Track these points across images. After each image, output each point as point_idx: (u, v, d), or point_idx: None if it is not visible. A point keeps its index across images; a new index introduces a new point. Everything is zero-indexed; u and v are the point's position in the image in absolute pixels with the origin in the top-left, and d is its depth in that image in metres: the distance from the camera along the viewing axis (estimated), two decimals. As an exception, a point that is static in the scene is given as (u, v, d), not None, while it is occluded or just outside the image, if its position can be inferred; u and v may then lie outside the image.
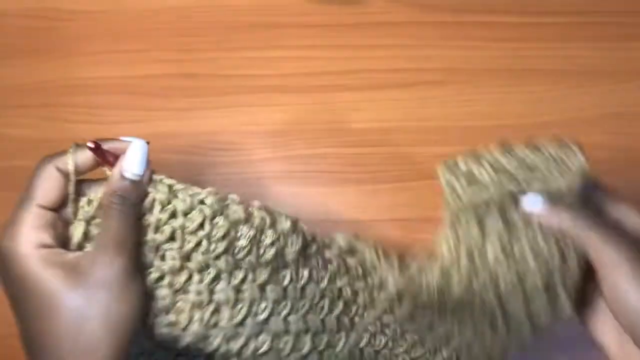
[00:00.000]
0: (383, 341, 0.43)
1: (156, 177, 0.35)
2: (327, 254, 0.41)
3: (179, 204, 0.34)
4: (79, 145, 0.35)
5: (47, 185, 0.34)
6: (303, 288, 0.39)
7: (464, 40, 0.53)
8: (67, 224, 0.35)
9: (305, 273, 0.39)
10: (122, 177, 0.34)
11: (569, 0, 0.53)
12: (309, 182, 0.51)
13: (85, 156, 0.35)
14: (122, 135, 0.37)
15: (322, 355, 0.40)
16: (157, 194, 0.34)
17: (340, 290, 0.41)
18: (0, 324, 0.50)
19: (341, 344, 0.40)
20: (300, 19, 0.54)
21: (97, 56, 0.54)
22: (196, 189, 0.35)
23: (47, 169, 0.34)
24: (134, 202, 0.34)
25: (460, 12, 0.54)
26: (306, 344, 0.38)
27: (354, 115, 0.52)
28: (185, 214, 0.34)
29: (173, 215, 0.34)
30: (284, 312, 0.38)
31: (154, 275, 0.35)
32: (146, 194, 0.34)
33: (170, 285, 0.35)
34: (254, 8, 0.54)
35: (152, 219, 0.34)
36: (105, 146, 0.35)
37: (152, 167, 0.35)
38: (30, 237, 0.32)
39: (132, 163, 0.34)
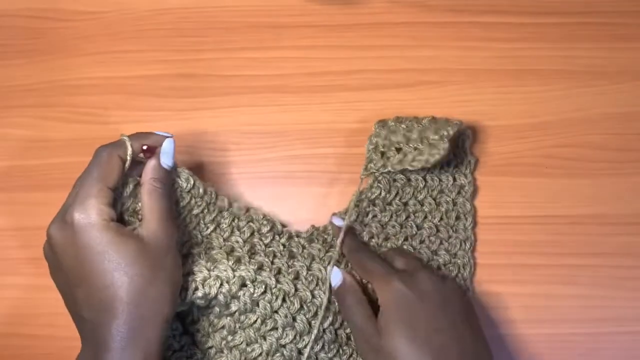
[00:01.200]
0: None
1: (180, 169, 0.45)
2: (304, 242, 0.48)
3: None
4: (129, 137, 0.42)
5: (110, 169, 0.40)
6: (289, 264, 0.46)
7: (463, 41, 0.53)
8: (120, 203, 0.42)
9: (287, 253, 0.47)
10: (161, 167, 0.42)
11: (569, 0, 0.53)
12: (309, 182, 0.51)
13: (137, 146, 0.42)
14: (122, 133, 0.43)
15: (310, 325, 0.45)
16: (176, 181, 0.45)
17: (327, 270, 0.46)
18: (1, 324, 0.51)
19: (328, 321, 0.45)
20: (300, 19, 0.54)
21: (97, 56, 0.54)
22: (198, 180, 0.46)
23: (109, 155, 0.41)
24: (169, 186, 0.43)
25: (460, 12, 0.54)
26: (294, 304, 0.45)
27: (354, 115, 0.52)
28: (193, 198, 0.45)
29: (182, 199, 0.45)
30: (273, 272, 0.45)
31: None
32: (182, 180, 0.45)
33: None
34: (254, 8, 0.54)
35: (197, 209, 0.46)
36: (147, 141, 0.43)
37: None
38: (103, 212, 0.39)
39: (167, 156, 0.43)
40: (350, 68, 0.53)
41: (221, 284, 0.43)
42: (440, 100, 0.52)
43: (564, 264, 0.49)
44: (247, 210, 0.48)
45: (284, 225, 0.49)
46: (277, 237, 0.48)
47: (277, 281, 0.45)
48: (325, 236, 0.49)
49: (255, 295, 0.44)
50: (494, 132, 0.51)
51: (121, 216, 0.42)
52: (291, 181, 0.51)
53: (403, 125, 0.48)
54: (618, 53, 0.53)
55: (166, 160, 0.43)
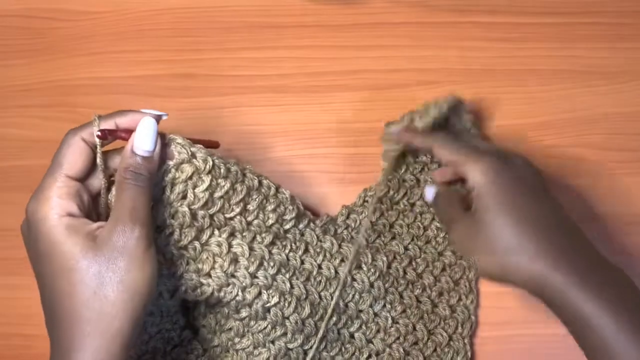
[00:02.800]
0: (374, 329, 0.46)
1: (195, 149, 0.39)
2: (319, 232, 0.46)
3: (207, 177, 0.40)
4: (101, 117, 0.36)
5: (74, 156, 0.36)
6: (302, 260, 0.45)
7: (463, 41, 0.53)
8: (91, 194, 0.37)
9: (302, 245, 0.45)
10: (133, 153, 0.36)
11: (569, 0, 0.53)
12: (309, 182, 0.51)
13: (109, 126, 0.36)
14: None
15: (318, 326, 0.44)
16: (192, 163, 0.39)
17: (336, 270, 0.45)
18: (0, 324, 0.51)
19: (332, 321, 0.45)
20: (301, 19, 0.54)
21: (97, 56, 0.54)
22: (223, 159, 0.41)
23: (73, 140, 0.36)
24: (146, 177, 0.36)
25: (460, 12, 0.54)
26: (305, 309, 0.44)
27: (354, 115, 0.52)
28: (215, 178, 0.40)
29: (202, 183, 0.39)
30: (288, 275, 0.44)
31: (187, 231, 0.40)
32: (173, 161, 0.38)
33: (198, 239, 0.40)
34: (254, 8, 0.54)
35: (181, 187, 0.39)
36: (122, 120, 0.37)
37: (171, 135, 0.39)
38: (57, 205, 0.35)
39: (142, 140, 0.36)
40: (350, 68, 0.53)
41: (237, 293, 0.42)
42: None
43: (564, 264, 0.49)
44: (277, 189, 0.44)
45: (304, 209, 0.47)
46: (296, 223, 0.45)
47: (291, 285, 0.44)
48: (337, 227, 0.48)
49: (269, 304, 0.43)
50: (494, 132, 0.51)
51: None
52: (291, 181, 0.51)
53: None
54: (618, 53, 0.52)
55: (140, 144, 0.36)
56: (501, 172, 0.40)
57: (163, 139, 0.38)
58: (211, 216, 0.41)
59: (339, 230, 0.48)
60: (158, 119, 0.38)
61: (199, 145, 0.40)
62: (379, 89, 0.52)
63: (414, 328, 0.47)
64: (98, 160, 0.37)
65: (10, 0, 0.56)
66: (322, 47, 0.53)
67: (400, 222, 0.49)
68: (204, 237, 0.41)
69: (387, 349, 0.46)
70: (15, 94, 0.54)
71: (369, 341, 0.46)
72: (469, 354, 0.47)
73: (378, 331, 0.46)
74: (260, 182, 0.43)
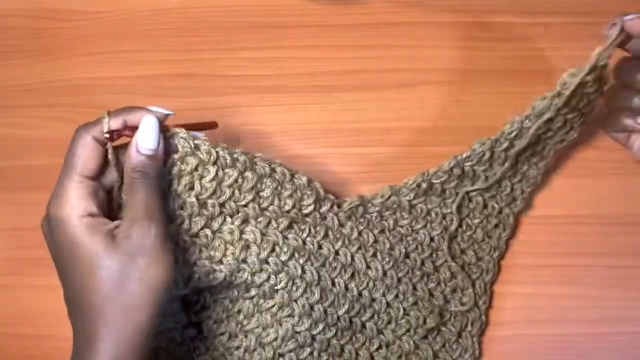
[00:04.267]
0: (385, 320, 0.46)
1: (199, 142, 0.40)
2: (342, 217, 0.46)
3: (218, 161, 0.41)
4: (110, 113, 0.37)
5: (86, 155, 0.37)
6: (320, 245, 0.45)
7: (463, 41, 0.53)
8: (107, 191, 0.39)
9: (322, 230, 0.45)
10: (138, 153, 0.37)
11: (569, 0, 0.53)
12: (309, 182, 0.51)
13: (117, 124, 0.37)
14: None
15: (326, 313, 0.45)
16: (196, 155, 0.40)
17: (352, 257, 0.46)
18: (0, 324, 0.51)
19: (344, 308, 0.45)
20: (300, 19, 0.54)
21: (97, 56, 0.54)
22: (229, 149, 0.42)
23: (84, 139, 0.37)
24: (154, 174, 0.37)
25: (460, 12, 0.54)
26: (315, 294, 0.44)
27: (354, 115, 0.52)
28: (222, 168, 0.41)
29: (208, 173, 0.41)
30: (302, 260, 0.44)
31: (197, 220, 0.41)
32: (183, 152, 0.40)
33: (209, 227, 0.41)
34: (254, 8, 0.54)
35: (187, 178, 0.40)
36: (131, 117, 0.38)
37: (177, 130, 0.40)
38: (77, 206, 0.36)
39: (145, 139, 0.37)
40: (350, 68, 0.53)
41: (247, 277, 0.43)
42: (440, 100, 0.52)
43: (564, 264, 0.49)
44: (292, 176, 0.44)
45: (326, 193, 0.47)
46: (317, 207, 0.45)
47: (303, 271, 0.44)
48: (369, 206, 0.47)
49: (277, 286, 0.43)
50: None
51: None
52: (291, 181, 0.51)
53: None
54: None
55: (144, 143, 0.37)
56: None
57: (166, 134, 0.39)
58: (221, 204, 0.41)
59: (371, 210, 0.47)
60: (164, 117, 0.39)
61: (203, 137, 0.41)
62: (379, 89, 0.52)
63: (424, 321, 0.47)
64: (110, 158, 0.38)
65: (10, 0, 0.56)
66: (322, 47, 0.53)
67: (436, 210, 0.48)
68: (216, 225, 0.42)
69: (397, 341, 0.46)
70: (15, 94, 0.54)
71: (380, 332, 0.46)
72: (477, 352, 0.47)
73: (389, 322, 0.46)
74: (273, 169, 0.43)
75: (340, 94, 0.53)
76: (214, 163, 0.41)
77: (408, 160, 0.51)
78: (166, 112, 0.39)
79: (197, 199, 0.41)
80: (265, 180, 0.43)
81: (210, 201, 0.41)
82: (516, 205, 0.49)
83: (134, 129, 0.37)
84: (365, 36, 0.53)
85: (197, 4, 0.55)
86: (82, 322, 0.36)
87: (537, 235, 0.49)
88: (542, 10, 0.53)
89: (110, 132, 0.37)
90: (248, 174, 0.42)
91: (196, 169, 0.40)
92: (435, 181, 0.47)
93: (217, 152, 0.41)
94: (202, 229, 0.41)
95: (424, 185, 0.47)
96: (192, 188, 0.40)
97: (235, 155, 0.42)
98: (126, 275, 0.35)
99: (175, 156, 0.40)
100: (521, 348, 0.48)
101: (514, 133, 0.45)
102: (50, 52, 0.55)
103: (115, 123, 0.38)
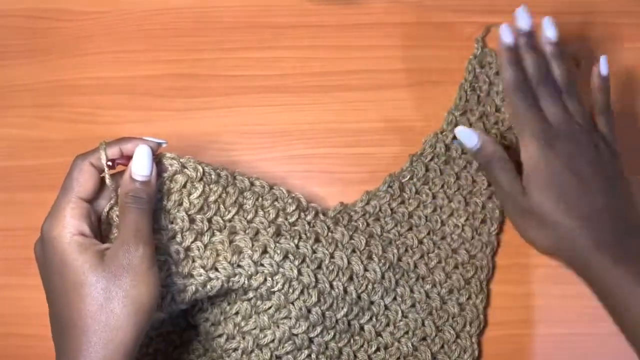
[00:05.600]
0: (384, 322, 0.47)
1: (184, 161, 0.42)
2: (330, 223, 0.47)
3: (199, 184, 0.42)
4: (107, 143, 0.40)
5: (83, 179, 0.39)
6: (314, 249, 0.45)
7: (464, 41, 0.53)
8: (97, 214, 0.41)
9: (312, 236, 0.45)
10: (132, 179, 0.39)
11: (569, 0, 0.53)
12: (309, 182, 0.51)
13: (114, 153, 0.40)
14: (122, 134, 0.42)
15: (324, 316, 0.45)
16: (184, 172, 0.42)
17: (349, 260, 0.46)
18: (0, 324, 0.51)
19: (343, 311, 0.45)
20: (300, 19, 0.54)
21: (97, 56, 0.54)
22: (212, 165, 0.43)
23: (83, 165, 0.39)
24: (146, 200, 0.39)
25: (459, 12, 0.54)
26: (312, 297, 0.44)
27: (354, 115, 0.52)
28: (207, 184, 0.43)
29: (195, 190, 0.42)
30: (297, 262, 0.44)
31: (187, 234, 0.42)
32: (170, 173, 0.42)
33: (200, 240, 0.43)
34: (254, 8, 0.54)
35: (176, 196, 0.42)
36: (126, 147, 0.40)
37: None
38: (70, 225, 0.38)
39: (138, 167, 0.39)
40: (350, 68, 0.53)
41: (244, 281, 0.43)
42: (440, 100, 0.52)
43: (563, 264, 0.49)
44: (271, 188, 0.46)
45: (308, 202, 0.48)
46: (302, 215, 0.46)
47: (299, 273, 0.44)
48: (352, 214, 0.48)
49: (273, 288, 0.44)
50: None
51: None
52: (291, 181, 0.51)
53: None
54: (618, 53, 0.53)
55: (137, 170, 0.39)
56: (546, 159, 0.42)
57: (155, 158, 0.41)
58: (209, 220, 0.43)
59: (355, 217, 0.48)
60: (157, 146, 0.41)
61: (188, 157, 0.42)
62: (379, 89, 0.53)
63: (423, 323, 0.47)
64: (108, 182, 0.40)
65: (10, 0, 0.56)
66: (322, 47, 0.54)
67: (419, 213, 0.48)
68: (206, 239, 0.43)
69: (396, 343, 0.47)
70: (15, 94, 0.54)
71: (378, 334, 0.47)
72: (476, 352, 0.47)
73: (388, 324, 0.47)
74: (252, 183, 0.45)
75: (340, 94, 0.53)
76: (200, 179, 0.42)
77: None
78: (159, 141, 0.41)
79: (187, 214, 0.42)
80: (245, 193, 0.44)
81: (198, 216, 0.42)
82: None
83: (128, 158, 0.40)
84: (365, 36, 0.53)
85: (197, 4, 0.55)
86: (66, 340, 0.37)
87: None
88: (542, 10, 0.53)
89: (112, 160, 0.40)
90: (230, 188, 0.44)
91: (184, 186, 0.42)
92: (403, 180, 0.49)
93: (203, 168, 0.42)
94: (193, 241, 0.42)
95: (396, 185, 0.48)
96: (181, 204, 0.42)
97: (218, 171, 0.43)
98: (111, 294, 0.36)
99: (165, 174, 0.42)
100: (520, 348, 0.48)
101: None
102: (50, 52, 0.55)
103: (112, 150, 0.40)
